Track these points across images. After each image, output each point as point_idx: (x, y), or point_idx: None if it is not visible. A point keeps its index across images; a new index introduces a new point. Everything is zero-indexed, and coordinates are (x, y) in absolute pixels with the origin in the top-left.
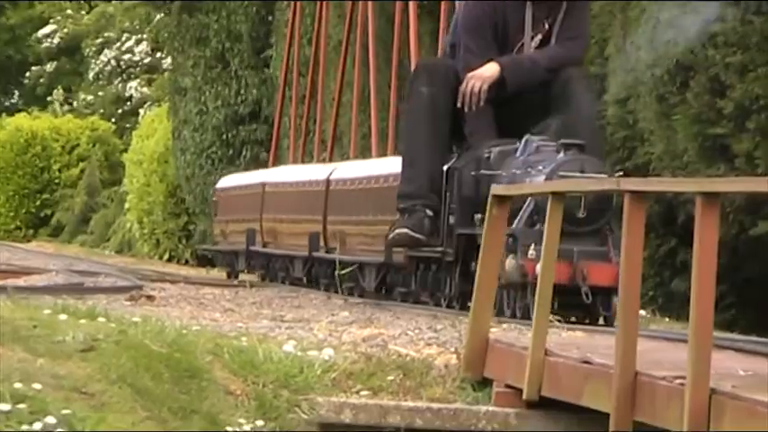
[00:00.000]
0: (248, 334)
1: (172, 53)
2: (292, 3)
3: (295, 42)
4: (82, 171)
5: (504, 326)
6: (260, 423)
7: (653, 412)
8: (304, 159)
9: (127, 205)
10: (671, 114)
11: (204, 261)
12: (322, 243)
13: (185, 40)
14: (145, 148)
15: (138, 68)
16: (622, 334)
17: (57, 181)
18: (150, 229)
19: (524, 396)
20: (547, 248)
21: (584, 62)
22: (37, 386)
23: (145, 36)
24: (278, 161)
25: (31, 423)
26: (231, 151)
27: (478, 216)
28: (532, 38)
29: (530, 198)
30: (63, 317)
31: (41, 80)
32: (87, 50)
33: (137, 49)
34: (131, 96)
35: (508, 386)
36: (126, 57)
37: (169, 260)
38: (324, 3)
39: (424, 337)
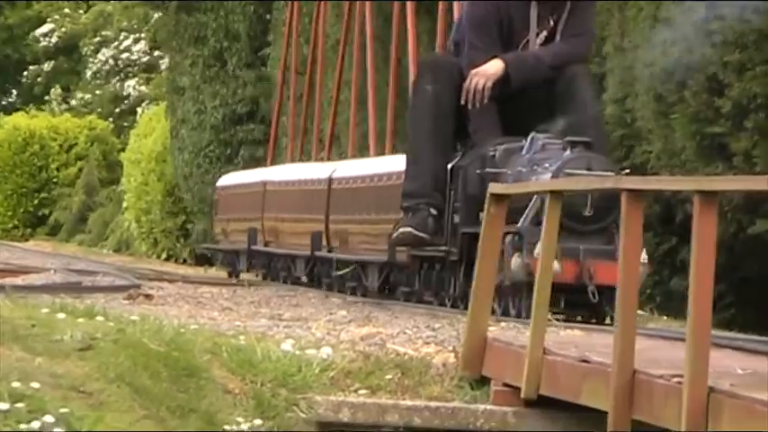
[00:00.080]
0: (246, 333)
1: (170, 52)
2: (290, 2)
3: (293, 41)
4: (80, 170)
5: (503, 324)
6: (258, 422)
7: (651, 411)
8: (302, 158)
9: (125, 204)
10: (669, 113)
11: (202, 260)
12: (324, 242)
13: (183, 39)
14: (143, 147)
15: (135, 67)
16: (620, 332)
17: (54, 180)
18: (148, 228)
19: (522, 395)
20: (545, 247)
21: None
22: (35, 385)
23: (143, 35)
24: (276, 160)
25: (29, 422)
26: (229, 150)
27: (483, 215)
28: (537, 35)
29: (536, 196)
30: (61, 316)
31: (39, 79)
32: (85, 49)
33: (135, 48)
34: (129, 95)
35: (506, 385)
36: (124, 56)
37: (167, 259)
38: (322, 2)
39: (422, 336)
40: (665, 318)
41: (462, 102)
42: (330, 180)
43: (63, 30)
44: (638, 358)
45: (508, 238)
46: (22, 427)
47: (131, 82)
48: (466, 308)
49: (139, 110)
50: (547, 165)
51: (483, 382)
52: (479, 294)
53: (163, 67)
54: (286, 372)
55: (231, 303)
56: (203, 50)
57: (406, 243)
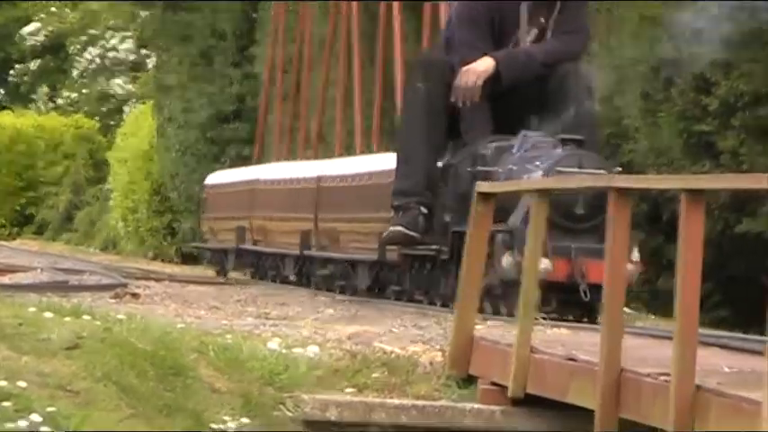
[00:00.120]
0: (233, 331)
1: (156, 51)
2: (277, 1)
3: (279, 40)
4: (66, 169)
5: (489, 323)
6: (245, 420)
7: (638, 409)
8: (289, 157)
9: (111, 203)
10: (656, 111)
11: (189, 259)
12: (314, 241)
13: (170, 37)
14: (129, 146)
15: (122, 66)
16: (607, 331)
17: (41, 179)
18: (135, 227)
19: (510, 393)
20: (531, 246)
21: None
22: (22, 384)
23: (130, 34)
24: (262, 159)
25: (15, 421)
26: (216, 149)
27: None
28: (528, 32)
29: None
30: (48, 315)
31: (26, 78)
32: (72, 48)
33: (121, 47)
34: (116, 94)
35: (493, 383)
36: (111, 54)
37: (154, 258)
38: (308, 1)
39: (409, 335)
40: (652, 316)
41: (453, 100)
42: (319, 179)
43: (50, 28)
44: (625, 357)
45: (499, 236)
46: (9, 425)
47: (118, 80)
48: None
49: (126, 108)
50: (538, 163)
51: (470, 380)
52: (466, 293)
53: (149, 65)
54: (273, 370)
55: (218, 302)
56: (190, 49)
57: (397, 242)
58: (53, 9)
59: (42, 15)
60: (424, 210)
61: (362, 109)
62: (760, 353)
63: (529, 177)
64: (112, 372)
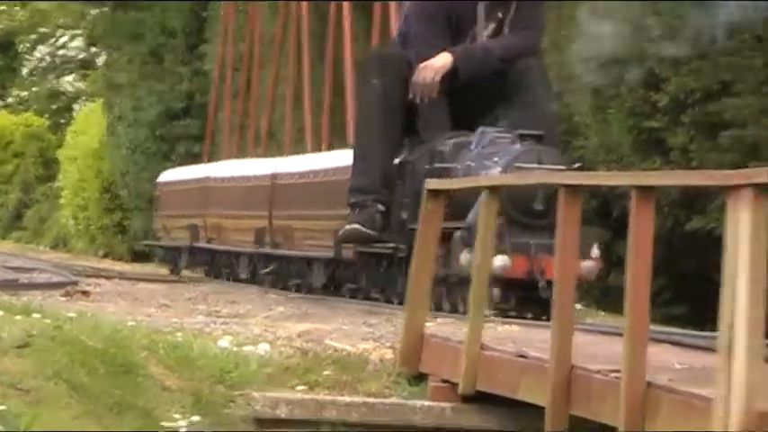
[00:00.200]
0: (183, 329)
1: (106, 49)
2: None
3: (229, 38)
4: (16, 167)
5: (440, 320)
6: (195, 418)
7: (589, 406)
8: (239, 154)
9: (62, 201)
10: (606, 108)
11: (140, 257)
12: (268, 239)
13: (120, 36)
14: (79, 144)
15: (72, 64)
16: (558, 328)
17: None
18: (85, 225)
19: (460, 390)
20: (482, 244)
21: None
22: None
23: (80, 32)
24: (213, 156)
25: None
26: (166, 146)
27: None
28: (485, 27)
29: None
30: None
31: None
32: (21, 46)
33: (71, 45)
34: (66, 91)
35: (444, 381)
36: (60, 52)
37: (105, 256)
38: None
39: (359, 332)
40: (602, 313)
41: (411, 96)
42: (274, 176)
43: None
44: (575, 353)
45: (457, 233)
46: None
47: (68, 78)
48: None
49: (76, 106)
50: (496, 159)
51: (421, 378)
52: (417, 290)
53: (99, 63)
54: (223, 368)
55: (168, 300)
56: (140, 47)
57: (353, 240)
58: (2, 8)
59: None
60: (380, 207)
61: (312, 107)
62: (712, 350)
63: (487, 174)
64: (63, 370)
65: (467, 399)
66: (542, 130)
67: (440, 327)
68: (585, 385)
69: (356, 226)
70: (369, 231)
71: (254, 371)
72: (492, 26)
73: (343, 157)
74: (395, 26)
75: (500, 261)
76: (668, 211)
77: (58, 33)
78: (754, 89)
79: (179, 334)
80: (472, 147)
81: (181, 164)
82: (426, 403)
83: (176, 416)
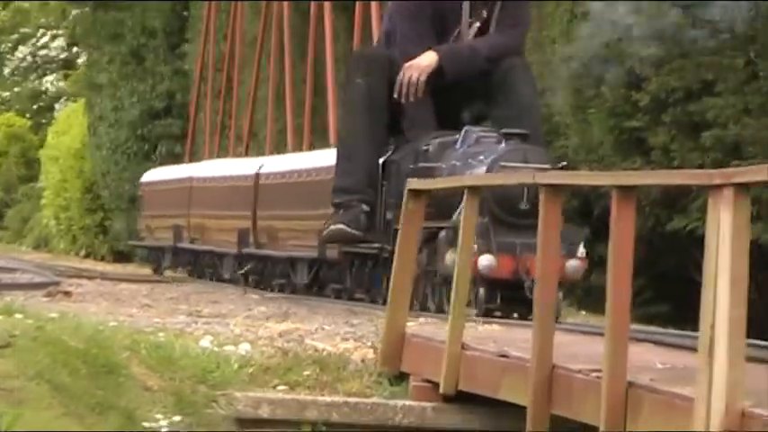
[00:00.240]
0: (165, 329)
1: (87, 49)
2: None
3: (210, 38)
4: None
5: (421, 320)
6: (177, 419)
7: (570, 406)
8: (220, 154)
9: (43, 201)
10: (587, 107)
11: (121, 257)
12: (252, 239)
13: (101, 36)
14: (61, 145)
15: (54, 64)
16: (539, 327)
17: None
18: (67, 225)
19: (441, 390)
20: (462, 244)
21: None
22: None
23: (61, 32)
24: (194, 156)
25: None
26: (147, 146)
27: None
28: (470, 25)
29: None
30: None
31: None
32: (2, 46)
33: (53, 45)
34: (47, 91)
35: (425, 380)
36: (42, 53)
37: (86, 256)
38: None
39: (340, 332)
40: (583, 312)
41: (396, 96)
42: (257, 176)
43: None
44: (556, 353)
45: (442, 233)
46: None
47: (50, 78)
48: None
49: (57, 107)
50: (482, 158)
51: (402, 377)
52: (398, 290)
53: (81, 63)
54: (205, 368)
55: (150, 300)
56: (121, 47)
57: (338, 240)
58: None
59: None
60: (365, 207)
61: (293, 107)
62: (693, 349)
63: (472, 173)
64: (45, 370)
65: (448, 399)
66: (528, 128)
67: (421, 326)
68: (567, 385)
69: (341, 226)
70: (354, 231)
71: (235, 371)
72: (477, 25)
73: (326, 157)
74: (376, 25)
75: (486, 261)
76: (649, 210)
77: (39, 33)
78: (736, 89)
79: (161, 334)
80: (457, 146)
81: (162, 164)
82: (407, 403)
83: (158, 416)
